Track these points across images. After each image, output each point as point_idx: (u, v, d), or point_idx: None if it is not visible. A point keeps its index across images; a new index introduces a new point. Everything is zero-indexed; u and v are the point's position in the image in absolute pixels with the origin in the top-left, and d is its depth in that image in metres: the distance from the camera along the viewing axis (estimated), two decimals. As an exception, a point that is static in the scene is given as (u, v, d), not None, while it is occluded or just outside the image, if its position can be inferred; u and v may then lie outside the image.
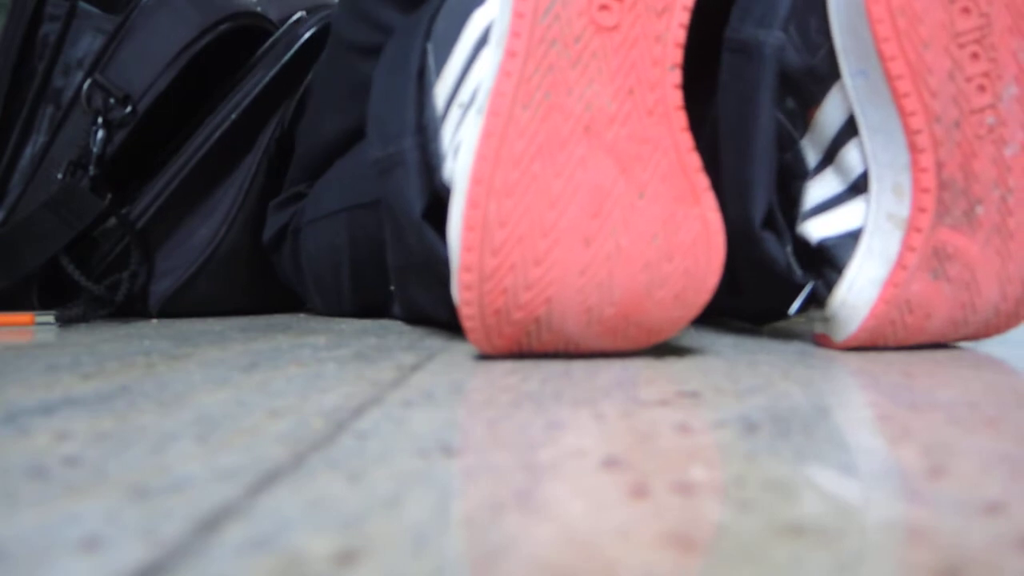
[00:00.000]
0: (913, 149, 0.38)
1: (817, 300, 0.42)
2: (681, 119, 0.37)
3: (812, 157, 0.43)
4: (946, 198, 0.38)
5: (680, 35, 0.37)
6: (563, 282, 0.35)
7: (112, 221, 0.69)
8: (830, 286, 0.41)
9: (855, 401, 0.28)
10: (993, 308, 0.40)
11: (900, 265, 0.38)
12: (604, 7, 0.36)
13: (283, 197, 0.72)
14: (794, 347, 0.43)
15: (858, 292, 0.39)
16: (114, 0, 0.70)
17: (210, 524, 0.15)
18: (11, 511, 0.15)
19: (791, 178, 0.43)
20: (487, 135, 0.35)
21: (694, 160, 0.36)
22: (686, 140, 0.36)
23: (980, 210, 0.38)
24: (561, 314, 0.35)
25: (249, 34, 0.74)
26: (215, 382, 0.31)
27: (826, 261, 0.41)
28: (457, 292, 0.35)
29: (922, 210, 0.38)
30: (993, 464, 0.19)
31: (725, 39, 0.45)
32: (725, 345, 0.44)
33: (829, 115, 0.41)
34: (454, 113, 0.40)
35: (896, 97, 0.38)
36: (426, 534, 0.14)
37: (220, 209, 0.73)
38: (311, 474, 0.18)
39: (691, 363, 0.36)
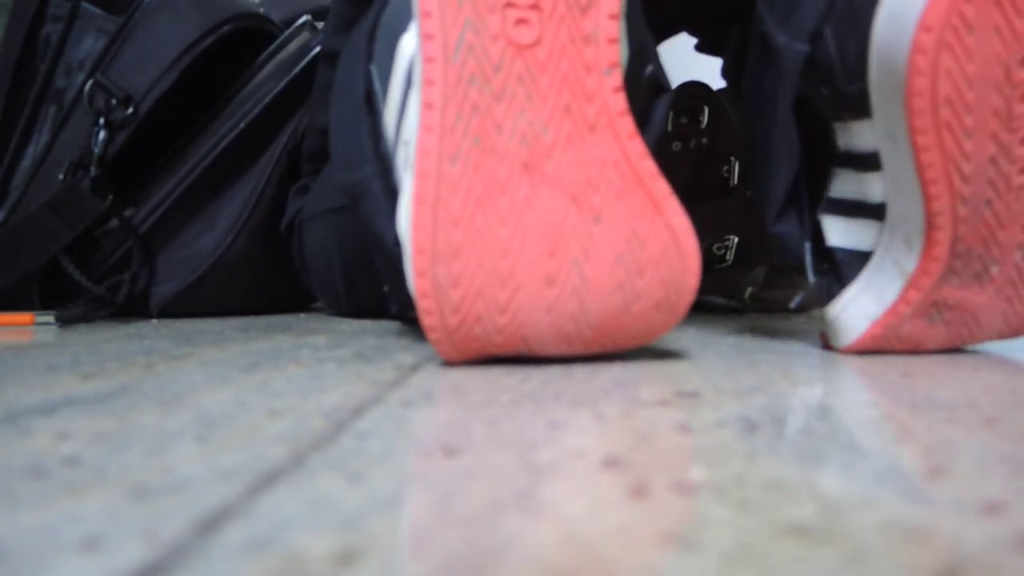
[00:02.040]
0: (930, 225, 0.35)
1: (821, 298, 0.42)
2: (628, 126, 0.34)
3: (842, 143, 0.40)
4: (957, 265, 0.36)
5: (612, 28, 0.33)
6: (533, 322, 0.34)
7: (114, 222, 0.69)
8: (832, 295, 0.41)
9: (855, 401, 0.28)
10: (995, 332, 0.39)
11: (893, 312, 0.37)
12: (521, 21, 0.33)
13: (297, 186, 0.72)
14: (794, 347, 0.43)
15: (850, 318, 0.39)
16: (116, 1, 0.70)
17: (210, 524, 0.15)
18: (11, 511, 0.15)
19: (824, 150, 0.41)
20: (419, 201, 0.32)
21: (648, 168, 0.34)
22: (636, 148, 0.34)
23: (995, 269, 0.37)
24: (540, 344, 0.35)
25: (252, 36, 0.74)
26: (215, 382, 0.31)
27: (833, 270, 0.41)
28: (430, 340, 0.34)
29: (927, 274, 0.36)
30: (993, 464, 0.19)
31: (755, 17, 0.42)
32: (725, 345, 0.44)
33: (858, 135, 0.39)
34: (400, 149, 0.38)
35: (923, 184, 0.35)
36: (426, 534, 0.14)
37: (227, 218, 0.73)
38: (311, 474, 0.18)
39: (691, 363, 0.36)
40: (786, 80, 0.40)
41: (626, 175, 0.34)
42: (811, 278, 0.42)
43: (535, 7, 0.33)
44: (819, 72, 0.39)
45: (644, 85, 0.39)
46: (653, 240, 0.34)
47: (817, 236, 0.42)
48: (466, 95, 0.33)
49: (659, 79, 0.39)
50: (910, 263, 0.37)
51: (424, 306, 0.33)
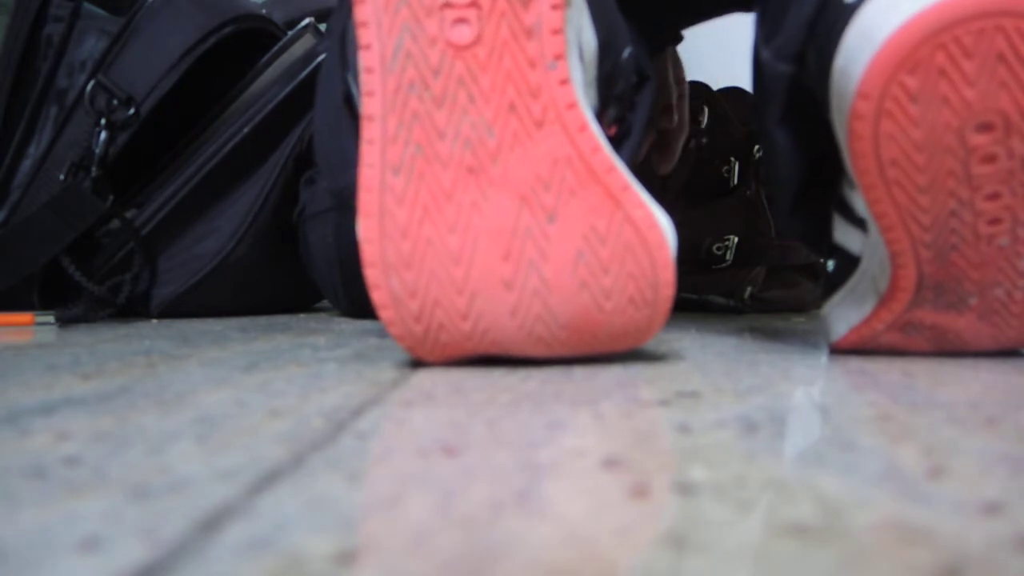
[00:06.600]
0: (894, 263, 0.35)
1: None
2: (577, 119, 0.32)
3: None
4: (928, 295, 0.35)
5: (556, 19, 0.32)
6: (499, 326, 0.33)
7: (116, 223, 0.69)
8: (830, 291, 0.41)
9: (855, 401, 0.28)
10: (986, 346, 0.38)
11: (868, 325, 0.37)
12: (460, 20, 0.32)
13: (306, 176, 0.72)
14: (794, 347, 0.43)
15: (835, 319, 0.39)
16: (118, 1, 0.70)
17: (210, 524, 0.15)
18: (11, 511, 0.15)
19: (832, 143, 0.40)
20: (365, 215, 0.32)
21: (603, 160, 0.32)
22: (587, 141, 0.32)
23: (974, 300, 0.36)
24: (516, 347, 0.34)
25: (254, 37, 0.74)
26: (215, 382, 0.31)
27: (836, 266, 0.41)
28: (404, 348, 0.34)
29: (896, 300, 0.36)
30: (993, 464, 0.19)
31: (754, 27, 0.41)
32: (725, 345, 0.44)
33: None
34: None
35: (881, 230, 0.34)
36: (426, 534, 0.14)
37: (230, 223, 0.73)
38: (311, 474, 0.18)
39: (691, 363, 0.36)
40: (771, 99, 0.39)
41: (579, 170, 0.32)
42: (829, 268, 0.42)
43: (474, 4, 0.32)
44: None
45: (625, 69, 0.37)
46: (614, 236, 0.33)
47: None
48: (406, 103, 0.32)
49: (641, 65, 0.38)
50: (883, 284, 0.36)
51: (386, 317, 0.33)
